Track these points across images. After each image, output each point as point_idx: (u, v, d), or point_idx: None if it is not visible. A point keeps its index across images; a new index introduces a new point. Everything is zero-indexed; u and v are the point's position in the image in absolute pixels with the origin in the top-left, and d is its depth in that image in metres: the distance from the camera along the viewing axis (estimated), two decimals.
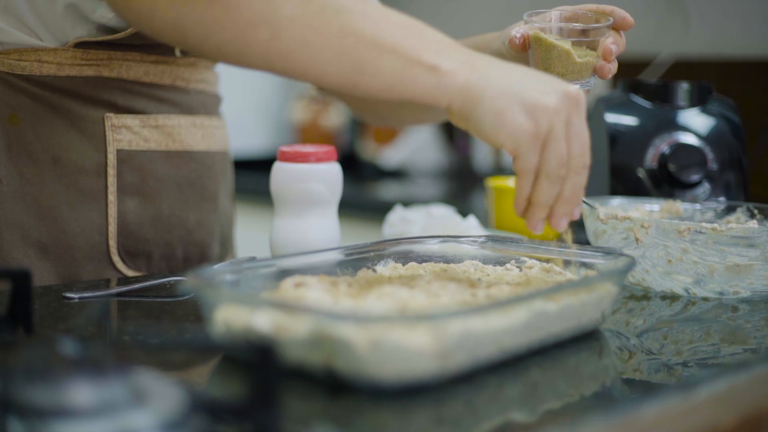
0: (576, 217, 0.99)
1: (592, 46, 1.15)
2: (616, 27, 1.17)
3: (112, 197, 1.21)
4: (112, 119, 1.21)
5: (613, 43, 1.15)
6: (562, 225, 0.98)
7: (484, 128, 0.94)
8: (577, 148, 0.95)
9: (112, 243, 1.22)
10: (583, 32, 1.15)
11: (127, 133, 1.22)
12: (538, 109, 0.93)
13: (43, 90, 1.19)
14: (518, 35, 1.16)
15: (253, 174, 2.62)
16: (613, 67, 1.16)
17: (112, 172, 1.21)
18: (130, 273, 1.24)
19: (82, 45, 1.18)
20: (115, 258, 1.23)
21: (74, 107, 1.20)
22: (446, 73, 0.95)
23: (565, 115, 0.94)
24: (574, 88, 0.96)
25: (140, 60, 1.22)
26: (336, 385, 0.77)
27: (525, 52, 1.17)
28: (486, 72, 0.95)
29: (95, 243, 1.21)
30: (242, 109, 3.31)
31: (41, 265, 1.18)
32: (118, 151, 1.22)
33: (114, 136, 1.21)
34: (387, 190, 2.93)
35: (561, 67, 1.14)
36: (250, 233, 2.07)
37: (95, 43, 1.19)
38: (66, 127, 1.19)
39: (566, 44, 1.14)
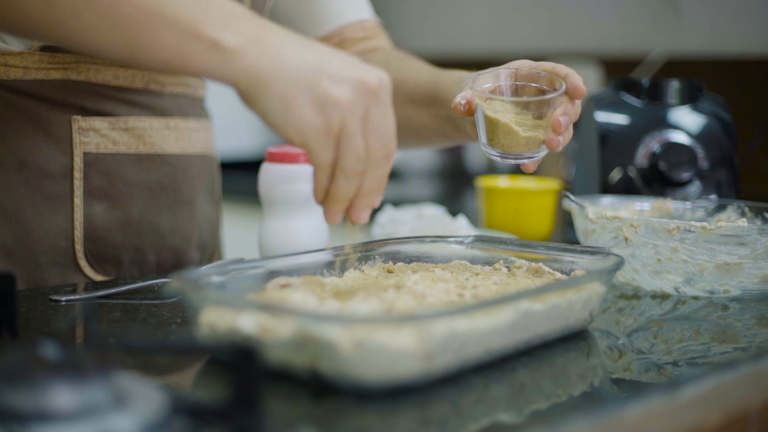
0: (376, 205, 0.93)
1: (540, 116, 1.08)
2: (568, 94, 1.09)
3: (78, 201, 1.19)
4: (80, 122, 1.19)
5: (563, 114, 1.07)
6: (363, 217, 0.92)
7: (271, 118, 0.88)
8: (376, 142, 0.89)
9: (79, 248, 1.20)
10: (533, 104, 1.08)
11: (95, 135, 1.20)
12: (330, 104, 0.87)
13: (9, 93, 1.17)
14: (462, 101, 1.10)
15: (243, 175, 2.62)
16: (563, 138, 1.08)
17: (78, 175, 1.19)
18: (98, 278, 1.22)
19: (48, 48, 1.17)
20: (82, 263, 1.21)
21: (41, 110, 1.18)
22: (230, 52, 0.88)
23: (362, 110, 0.88)
24: (375, 77, 0.89)
25: (109, 63, 1.20)
26: (320, 387, 0.77)
27: (470, 116, 1.12)
28: (277, 53, 0.88)
29: (61, 248, 1.19)
30: (232, 110, 3.30)
31: (5, 269, 1.16)
32: (85, 154, 1.20)
33: (81, 139, 1.19)
34: None
35: (505, 139, 1.08)
36: (240, 234, 2.06)
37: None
38: (32, 131, 1.18)
39: (510, 116, 1.07)
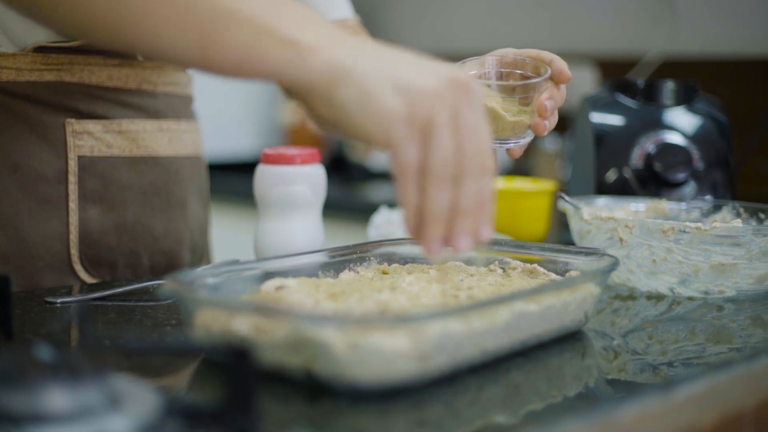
0: (484, 237, 0.84)
1: (526, 102, 1.08)
2: (553, 79, 1.08)
3: (73, 205, 1.19)
4: (74, 125, 1.19)
5: (549, 98, 1.07)
6: (464, 245, 0.82)
7: (349, 113, 0.82)
8: (469, 144, 0.81)
9: (74, 252, 1.20)
10: (518, 88, 1.08)
11: (89, 138, 1.20)
12: (414, 91, 0.80)
13: (2, 96, 1.16)
14: None
15: (241, 176, 2.61)
16: (549, 123, 1.08)
17: (73, 179, 1.19)
18: (93, 282, 1.22)
19: (41, 49, 1.16)
20: (77, 267, 1.20)
21: (34, 113, 1.18)
22: (306, 49, 0.83)
23: (451, 103, 0.81)
24: (465, 75, 0.82)
25: (103, 64, 1.20)
26: (315, 388, 0.77)
27: None
28: (355, 49, 0.83)
29: (56, 252, 1.19)
30: (231, 112, 3.31)
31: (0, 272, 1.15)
32: (80, 158, 1.19)
33: (75, 142, 1.19)
34: (375, 191, 2.92)
35: (492, 124, 1.07)
36: (238, 236, 2.06)
37: (55, 48, 1.17)
38: (26, 134, 1.17)
39: (497, 101, 1.08)
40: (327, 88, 0.83)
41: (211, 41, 0.86)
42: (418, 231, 0.83)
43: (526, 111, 1.08)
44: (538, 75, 1.08)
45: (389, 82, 0.81)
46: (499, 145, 1.10)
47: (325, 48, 0.83)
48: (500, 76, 1.11)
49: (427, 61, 0.84)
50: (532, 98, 1.08)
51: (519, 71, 1.10)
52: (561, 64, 1.09)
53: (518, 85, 1.09)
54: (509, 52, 1.11)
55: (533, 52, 1.10)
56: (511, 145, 1.10)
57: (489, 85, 1.09)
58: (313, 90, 0.84)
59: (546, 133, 1.08)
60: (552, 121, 1.09)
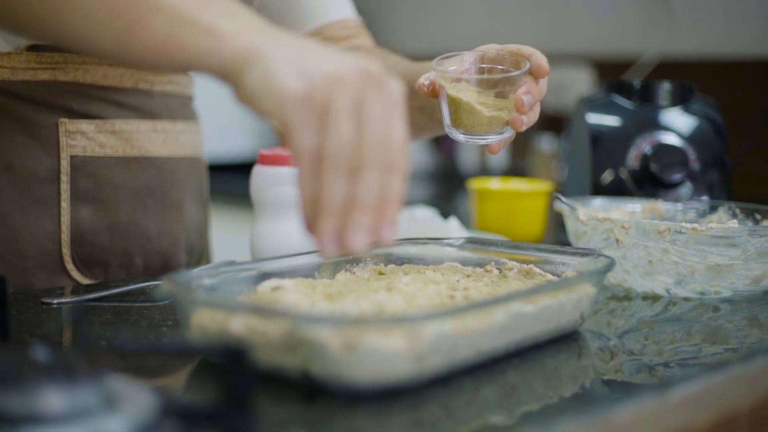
0: (386, 237, 0.80)
1: (503, 96, 1.07)
2: (532, 73, 1.07)
3: (65, 204, 1.19)
4: (66, 125, 1.19)
5: (526, 93, 1.06)
6: (358, 242, 0.79)
7: (254, 95, 0.80)
8: (373, 136, 0.78)
9: (66, 251, 1.20)
10: (493, 82, 1.07)
11: (82, 138, 1.20)
12: (317, 75, 0.78)
13: None
14: (426, 82, 1.09)
15: (239, 177, 2.61)
16: (527, 118, 1.07)
17: (65, 178, 1.19)
18: (86, 282, 1.22)
19: (36, 48, 1.17)
20: (69, 266, 1.20)
21: (28, 112, 1.18)
22: (224, 36, 0.83)
23: (356, 90, 0.78)
24: (379, 69, 0.80)
25: (97, 62, 1.20)
26: (312, 389, 0.77)
27: (435, 98, 1.11)
28: (271, 38, 0.83)
29: (48, 251, 1.19)
30: (229, 112, 3.30)
31: None
32: (72, 157, 1.19)
33: (68, 142, 1.19)
34: None
35: (468, 119, 1.07)
36: (236, 237, 2.06)
37: (50, 46, 1.17)
38: (19, 133, 1.17)
39: (472, 96, 1.07)
40: (238, 72, 0.82)
41: (132, 31, 0.87)
42: (312, 223, 0.80)
43: (505, 106, 1.07)
44: (518, 70, 1.08)
45: (294, 65, 0.79)
46: (478, 140, 1.09)
47: (242, 35, 0.83)
48: (480, 73, 1.10)
49: (345, 55, 0.82)
50: (509, 92, 1.07)
51: (500, 66, 1.09)
52: (540, 58, 1.07)
53: (493, 79, 1.08)
54: (491, 48, 1.11)
55: (514, 47, 1.09)
56: (489, 140, 1.09)
57: (468, 81, 1.09)
58: (227, 76, 0.83)
59: (524, 128, 1.06)
60: (531, 117, 1.08)
